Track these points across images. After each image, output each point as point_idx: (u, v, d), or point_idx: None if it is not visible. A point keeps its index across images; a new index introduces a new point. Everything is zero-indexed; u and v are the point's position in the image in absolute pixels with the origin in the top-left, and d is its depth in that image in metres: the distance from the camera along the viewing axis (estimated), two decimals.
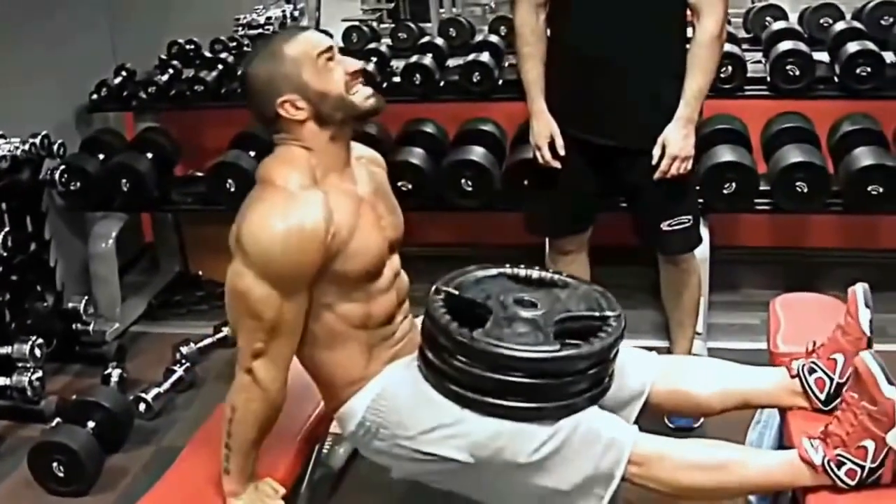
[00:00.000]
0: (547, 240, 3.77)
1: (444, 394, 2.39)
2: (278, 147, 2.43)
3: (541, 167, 3.49)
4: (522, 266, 2.66)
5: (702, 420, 3.52)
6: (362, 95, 2.41)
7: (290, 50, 2.36)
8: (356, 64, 2.43)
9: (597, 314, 2.47)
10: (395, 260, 2.57)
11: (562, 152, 3.43)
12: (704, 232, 4.19)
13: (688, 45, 3.34)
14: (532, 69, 3.45)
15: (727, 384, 2.67)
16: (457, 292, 2.48)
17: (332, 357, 2.48)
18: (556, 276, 2.65)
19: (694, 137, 3.36)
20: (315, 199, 2.30)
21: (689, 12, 3.32)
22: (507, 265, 2.66)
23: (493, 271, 2.62)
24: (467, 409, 2.36)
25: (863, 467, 2.23)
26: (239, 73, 2.44)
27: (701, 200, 4.22)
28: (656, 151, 3.33)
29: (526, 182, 3.91)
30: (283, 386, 2.36)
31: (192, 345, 4.32)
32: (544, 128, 3.45)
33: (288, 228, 2.24)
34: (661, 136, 3.32)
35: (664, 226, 3.50)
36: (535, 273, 2.64)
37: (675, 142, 3.31)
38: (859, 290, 2.59)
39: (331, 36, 2.52)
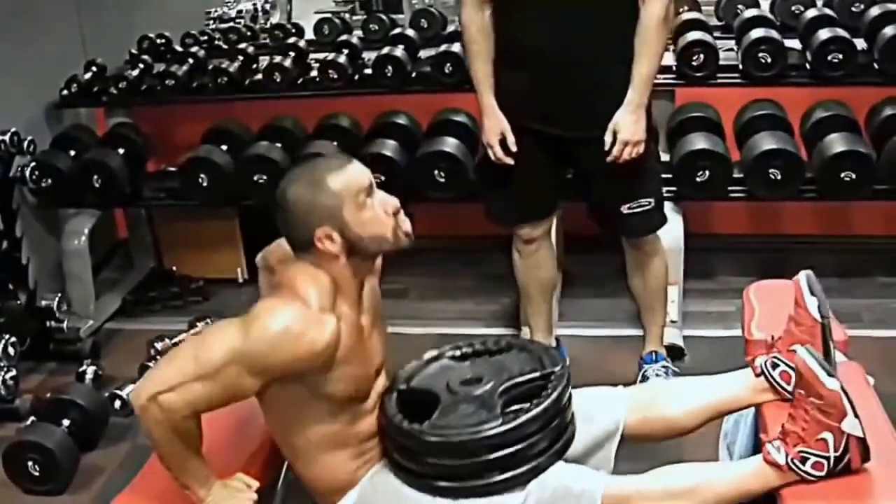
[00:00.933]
0: (513, 228, 3.75)
1: (414, 486, 2.41)
2: (303, 262, 2.39)
3: (494, 163, 3.50)
4: (468, 344, 2.67)
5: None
6: (405, 232, 2.40)
7: (333, 183, 2.32)
8: (394, 202, 2.40)
9: (538, 374, 2.48)
10: (380, 382, 2.56)
11: (513, 148, 3.43)
12: (678, 220, 4.22)
13: None
14: (480, 67, 3.46)
15: (697, 400, 2.67)
16: (405, 387, 2.53)
17: (320, 470, 2.48)
18: (503, 342, 2.67)
19: (645, 121, 3.36)
20: (330, 324, 2.28)
21: None
22: (454, 346, 2.68)
23: (438, 353, 2.66)
24: (439, 497, 2.37)
25: (827, 458, 2.24)
26: (277, 196, 2.38)
27: (674, 188, 4.26)
28: (608, 137, 3.32)
29: (484, 172, 3.84)
30: (192, 419, 2.28)
31: (166, 340, 4.28)
32: (495, 125, 3.45)
33: (298, 335, 2.22)
34: (611, 122, 3.31)
35: (624, 209, 3.50)
36: (479, 346, 2.66)
37: (626, 127, 3.31)
38: (802, 278, 2.59)
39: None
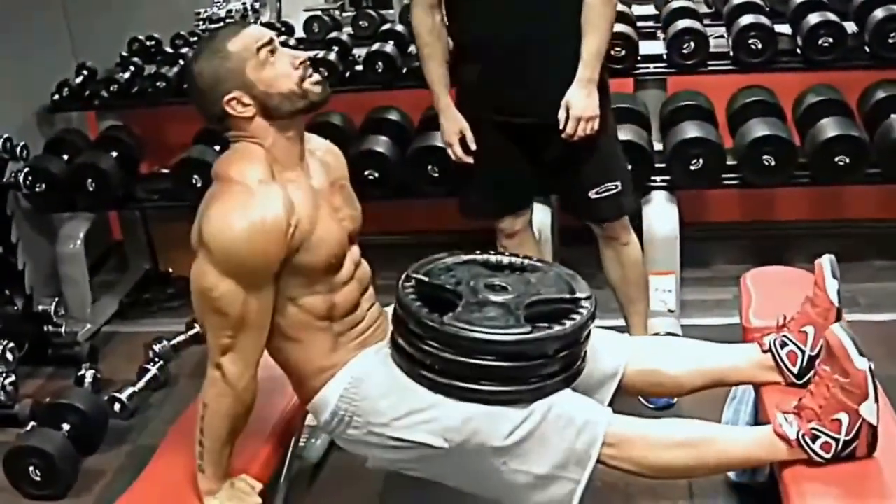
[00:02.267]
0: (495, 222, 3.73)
1: (416, 379, 2.39)
2: (233, 144, 2.42)
3: (454, 164, 3.53)
4: (493, 252, 2.67)
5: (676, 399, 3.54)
6: (313, 82, 2.40)
7: (233, 46, 2.35)
8: (301, 54, 2.42)
9: (567, 297, 2.47)
10: (354, 251, 2.57)
11: (473, 147, 3.45)
12: (673, 209, 4.22)
13: None
14: (434, 69, 3.48)
15: (700, 363, 2.68)
16: (426, 279, 2.49)
17: (300, 348, 2.48)
18: (527, 261, 2.66)
19: (597, 97, 3.34)
20: (274, 193, 2.29)
21: None
22: (478, 251, 2.66)
23: (464, 258, 2.63)
24: (440, 394, 2.36)
25: (837, 440, 2.24)
26: (185, 72, 2.42)
27: (668, 177, 4.26)
28: (561, 114, 3.31)
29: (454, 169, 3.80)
30: (253, 381, 2.35)
31: (164, 342, 4.29)
32: (453, 124, 3.47)
33: (250, 224, 2.23)
34: (563, 99, 3.30)
35: (592, 194, 3.49)
36: (505, 258, 2.65)
37: (578, 102, 3.29)
38: (826, 261, 2.60)
39: (278, 30, 2.49)
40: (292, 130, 2.42)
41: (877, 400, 2.22)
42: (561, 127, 3.32)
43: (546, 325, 2.35)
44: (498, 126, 3.43)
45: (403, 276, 2.49)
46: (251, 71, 2.33)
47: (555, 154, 3.45)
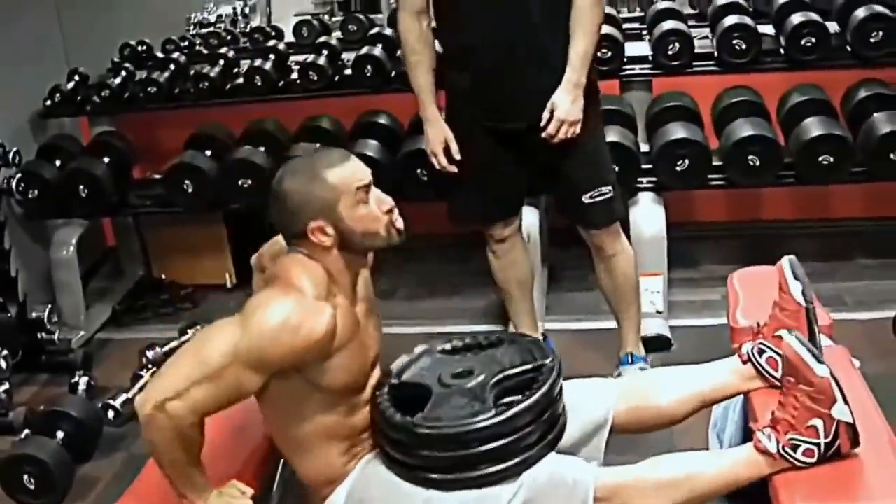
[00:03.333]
0: (484, 229, 3.74)
1: (407, 479, 2.42)
2: (296, 254, 2.42)
3: (438, 173, 3.54)
4: (459, 338, 2.70)
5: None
6: (398, 228, 2.43)
7: (332, 177, 2.34)
8: (389, 201, 2.43)
9: (530, 366, 2.51)
10: (376, 374, 2.57)
11: (457, 157, 3.46)
12: (660, 210, 4.24)
13: None
14: (421, 76, 3.47)
15: (685, 389, 2.69)
16: (396, 381, 2.54)
17: (316, 462, 2.49)
18: (494, 336, 2.69)
19: (582, 101, 3.33)
20: (327, 312, 2.30)
21: None
22: (446, 340, 2.70)
23: (437, 349, 2.67)
24: (432, 489, 2.39)
25: (818, 444, 2.26)
26: (273, 185, 2.41)
27: (654, 178, 4.29)
28: (545, 114, 3.31)
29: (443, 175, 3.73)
30: (198, 427, 2.29)
31: (158, 349, 4.29)
32: (438, 133, 3.48)
33: (296, 325, 2.24)
34: (549, 101, 3.30)
35: (586, 198, 3.49)
36: (470, 340, 2.69)
37: (562, 105, 3.29)
38: (785, 263, 2.61)
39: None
40: (357, 262, 2.45)
41: (846, 400, 2.25)
42: (542, 125, 3.32)
43: (515, 398, 2.39)
44: (488, 131, 3.43)
45: (377, 384, 2.54)
46: (344, 207, 2.34)
47: (547, 158, 3.44)
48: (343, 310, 2.38)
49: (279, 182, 2.41)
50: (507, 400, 2.42)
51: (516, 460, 2.37)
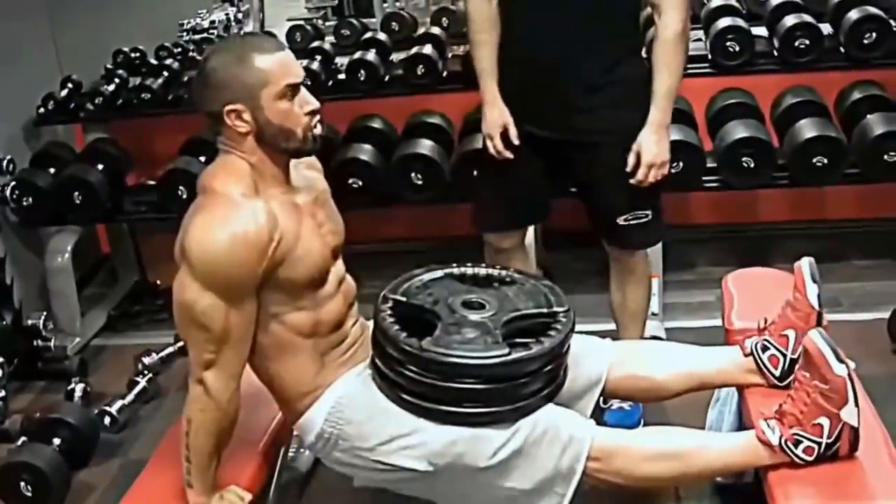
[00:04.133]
0: (484, 236, 3.65)
1: (399, 404, 2.40)
2: (220, 156, 2.41)
3: (490, 159, 3.37)
4: (469, 265, 2.67)
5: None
6: (315, 133, 2.41)
7: (260, 62, 2.31)
8: (314, 103, 2.40)
9: (545, 311, 2.48)
10: (339, 266, 2.57)
11: (516, 142, 3.31)
12: None
13: (641, 38, 3.29)
14: (485, 57, 3.32)
15: (682, 367, 2.70)
16: (404, 299, 2.49)
17: (284, 367, 2.48)
18: (504, 273, 2.66)
19: (668, 142, 3.23)
20: (258, 208, 2.29)
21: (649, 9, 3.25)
22: (455, 265, 2.66)
23: (440, 273, 2.63)
24: (422, 419, 2.38)
25: (819, 443, 2.27)
26: (200, 61, 2.38)
27: None
28: (631, 159, 3.19)
29: (476, 174, 3.78)
30: (236, 394, 2.36)
31: (153, 355, 4.31)
32: (497, 117, 3.31)
33: (232, 237, 2.24)
34: (635, 143, 3.17)
35: (620, 220, 3.35)
36: (482, 271, 2.65)
37: (650, 148, 3.17)
38: (805, 264, 2.62)
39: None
40: (280, 157, 2.42)
41: (857, 403, 2.25)
42: (629, 170, 3.20)
43: (525, 340, 2.37)
44: (527, 138, 3.31)
45: (380, 298, 2.49)
46: (266, 96, 2.31)
47: (588, 174, 3.35)
48: (277, 200, 2.36)
49: (206, 58, 2.40)
50: (517, 341, 2.37)
51: (516, 405, 2.35)
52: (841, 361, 2.26)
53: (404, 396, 2.39)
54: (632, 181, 3.21)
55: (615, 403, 3.42)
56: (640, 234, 3.43)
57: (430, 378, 2.33)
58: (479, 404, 2.34)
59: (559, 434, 2.37)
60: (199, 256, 2.25)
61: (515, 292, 2.56)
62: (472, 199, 3.72)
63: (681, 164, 4.21)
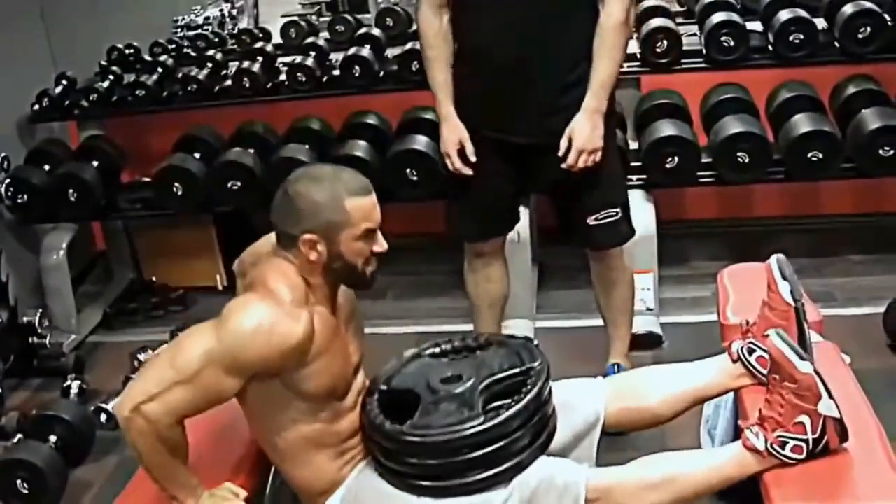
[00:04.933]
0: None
1: (399, 487, 2.43)
2: (277, 260, 2.42)
3: (454, 174, 3.38)
4: (447, 341, 2.70)
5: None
6: (371, 272, 2.44)
7: (349, 205, 2.34)
8: (384, 246, 2.43)
9: (518, 370, 2.51)
10: (359, 379, 2.58)
11: (472, 158, 3.32)
12: (650, 207, 4.25)
13: None
14: (439, 73, 3.33)
15: (676, 388, 2.70)
16: (385, 388, 2.54)
17: (305, 471, 2.50)
18: (481, 338, 2.71)
19: (602, 129, 3.23)
20: (303, 317, 2.30)
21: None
22: (434, 343, 2.71)
23: (419, 354, 2.67)
24: (424, 497, 2.39)
25: (806, 440, 2.28)
26: (288, 180, 2.41)
27: (644, 176, 4.30)
28: (563, 143, 3.21)
29: (448, 184, 3.63)
30: (177, 427, 2.29)
31: (149, 351, 4.27)
32: (453, 133, 3.33)
33: (271, 329, 2.25)
34: (567, 128, 3.20)
35: (591, 220, 3.39)
36: (458, 343, 2.69)
37: (581, 133, 3.19)
38: (773, 262, 2.62)
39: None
40: (335, 282, 2.46)
41: (831, 395, 2.26)
42: (561, 154, 3.21)
43: (504, 402, 2.40)
44: (493, 143, 3.32)
45: (367, 391, 2.55)
46: (345, 236, 2.35)
47: (553, 177, 3.34)
48: (321, 316, 2.38)
49: (296, 180, 2.41)
50: (496, 404, 2.42)
51: (507, 465, 2.38)
52: (804, 359, 2.28)
53: (402, 479, 2.43)
54: (562, 165, 3.23)
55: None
56: (609, 233, 3.47)
57: (417, 459, 2.38)
58: (472, 473, 2.36)
59: (554, 483, 2.38)
60: (228, 320, 2.26)
61: (492, 355, 2.60)
62: (446, 209, 3.68)
63: (676, 159, 4.22)
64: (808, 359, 2.28)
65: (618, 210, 3.42)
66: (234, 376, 2.28)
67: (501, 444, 2.36)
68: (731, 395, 2.85)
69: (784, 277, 2.59)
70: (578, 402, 2.65)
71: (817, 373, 2.26)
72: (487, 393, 2.45)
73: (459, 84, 3.36)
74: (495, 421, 2.35)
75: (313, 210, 2.35)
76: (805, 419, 2.27)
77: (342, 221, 2.35)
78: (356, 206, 2.36)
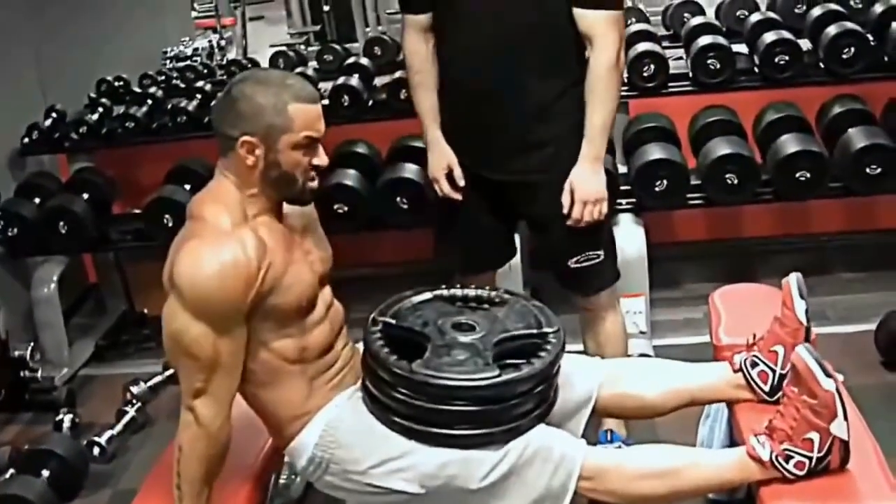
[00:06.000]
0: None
1: (390, 426, 2.40)
2: (214, 180, 2.42)
3: (442, 205, 3.32)
4: (459, 286, 2.67)
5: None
6: (311, 187, 2.43)
7: (292, 109, 2.32)
8: (325, 160, 2.43)
9: (535, 332, 2.47)
10: (326, 292, 2.57)
11: (461, 183, 3.24)
12: (640, 231, 4.26)
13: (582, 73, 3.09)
14: (425, 99, 3.25)
15: (672, 384, 2.70)
16: (393, 321, 2.49)
17: (273, 393, 2.48)
18: (494, 294, 2.66)
19: (604, 177, 3.14)
20: (246, 237, 2.30)
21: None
22: (444, 286, 2.66)
23: (430, 295, 2.62)
24: (414, 441, 2.37)
25: (810, 458, 2.28)
26: (231, 81, 2.39)
27: (633, 200, 4.30)
28: (565, 198, 3.11)
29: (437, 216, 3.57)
30: (227, 422, 2.36)
31: (142, 384, 4.30)
32: (440, 158, 3.26)
33: (221, 265, 2.24)
34: (568, 180, 3.10)
35: (571, 263, 3.25)
36: (471, 292, 2.64)
37: (584, 185, 3.09)
38: (793, 280, 2.62)
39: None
40: (273, 195, 2.42)
41: (846, 417, 2.26)
42: (565, 212, 3.11)
43: (516, 361, 2.36)
44: (473, 178, 3.25)
45: (370, 320, 2.49)
46: (284, 141, 2.33)
47: (534, 213, 3.29)
48: (267, 226, 2.37)
49: (240, 81, 2.39)
50: (508, 362, 2.37)
51: (507, 426, 2.35)
52: (829, 376, 2.27)
53: (395, 419, 2.38)
54: (568, 222, 3.13)
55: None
56: (592, 277, 3.33)
57: (420, 401, 2.32)
58: (470, 426, 2.33)
59: (551, 454, 2.37)
60: (188, 286, 2.25)
61: (506, 313, 2.55)
62: (435, 239, 3.61)
63: (665, 181, 4.23)
64: (833, 376, 2.28)
65: (600, 253, 3.28)
66: (230, 323, 2.29)
67: (508, 403, 2.32)
68: (726, 413, 2.85)
69: (801, 297, 2.59)
70: (575, 378, 2.65)
71: (839, 392, 2.26)
72: (500, 348, 2.40)
73: (441, 115, 3.28)
74: (510, 376, 2.30)
75: (255, 112, 2.31)
76: (815, 436, 2.26)
77: (283, 126, 2.31)
78: (299, 111, 2.32)
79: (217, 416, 2.33)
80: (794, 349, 2.37)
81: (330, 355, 2.54)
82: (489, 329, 2.45)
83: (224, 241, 2.28)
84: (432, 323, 2.47)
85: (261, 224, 2.37)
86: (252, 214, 2.38)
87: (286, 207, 2.49)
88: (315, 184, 2.44)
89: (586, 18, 3.02)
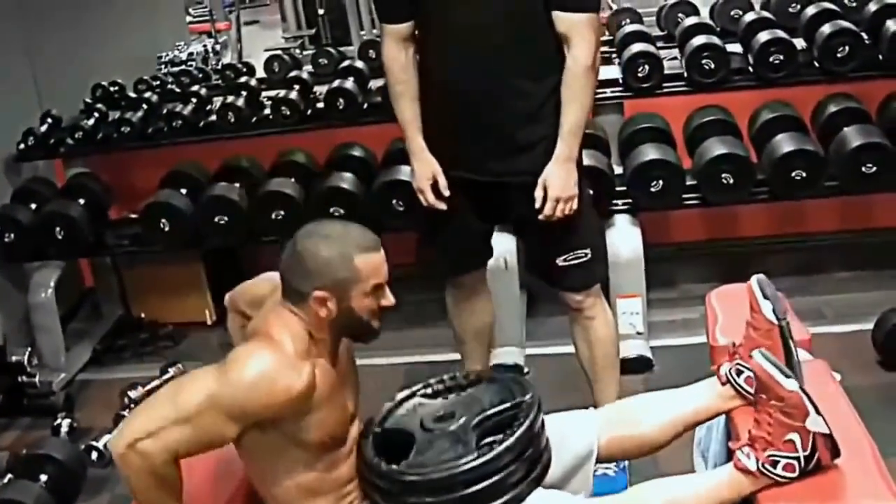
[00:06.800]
0: None
1: None
2: (280, 312, 2.41)
3: (427, 211, 3.31)
4: (438, 380, 2.68)
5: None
6: (378, 325, 2.43)
7: (360, 262, 2.33)
8: (392, 301, 2.43)
9: (509, 404, 2.50)
10: (355, 429, 2.56)
11: (446, 192, 3.24)
12: (636, 231, 4.26)
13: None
14: (406, 108, 3.26)
15: (667, 415, 2.69)
16: (379, 429, 2.53)
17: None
18: (472, 375, 2.69)
19: (576, 175, 3.16)
20: (305, 370, 2.30)
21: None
22: (424, 384, 2.68)
23: (417, 393, 2.65)
24: None
25: (797, 458, 2.27)
26: (296, 236, 2.40)
27: (629, 201, 4.31)
28: (538, 193, 3.13)
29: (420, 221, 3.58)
30: (172, 466, 2.26)
31: (139, 388, 4.29)
32: (425, 168, 3.25)
33: (274, 379, 2.24)
34: (541, 177, 3.13)
35: (559, 261, 3.28)
36: (448, 381, 2.67)
37: (555, 182, 3.12)
38: (754, 282, 2.61)
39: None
40: (340, 336, 2.45)
41: (819, 412, 2.26)
42: (538, 206, 3.13)
43: (497, 436, 2.39)
44: (458, 181, 3.25)
45: (362, 432, 2.53)
46: (356, 293, 2.34)
47: (521, 214, 3.28)
48: (322, 369, 2.36)
49: (305, 237, 2.39)
50: (489, 440, 2.40)
51: (503, 499, 2.36)
52: (788, 376, 2.27)
53: None
54: (540, 217, 3.16)
55: (599, 469, 3.39)
56: (579, 275, 3.34)
57: (415, 498, 2.37)
58: None
59: None
60: (231, 372, 2.26)
61: (482, 391, 2.59)
62: (418, 246, 3.62)
63: (660, 182, 4.24)
64: (792, 376, 2.28)
65: (588, 251, 3.30)
66: (235, 422, 2.26)
67: (496, 478, 2.34)
68: (723, 416, 2.85)
69: (765, 296, 2.57)
70: (571, 435, 2.63)
71: (803, 390, 2.26)
72: (480, 429, 2.44)
73: (424, 121, 3.28)
74: (489, 455, 2.33)
75: (323, 268, 2.33)
76: (795, 437, 2.26)
77: (352, 279, 2.33)
78: (366, 262, 2.34)
79: (162, 454, 2.23)
80: (753, 356, 2.37)
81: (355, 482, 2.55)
82: (468, 411, 2.49)
83: (283, 361, 2.28)
84: (417, 421, 2.51)
85: (319, 366, 2.37)
86: (314, 353, 2.38)
87: (341, 348, 2.50)
88: (380, 321, 2.45)
89: (564, 20, 3.05)
